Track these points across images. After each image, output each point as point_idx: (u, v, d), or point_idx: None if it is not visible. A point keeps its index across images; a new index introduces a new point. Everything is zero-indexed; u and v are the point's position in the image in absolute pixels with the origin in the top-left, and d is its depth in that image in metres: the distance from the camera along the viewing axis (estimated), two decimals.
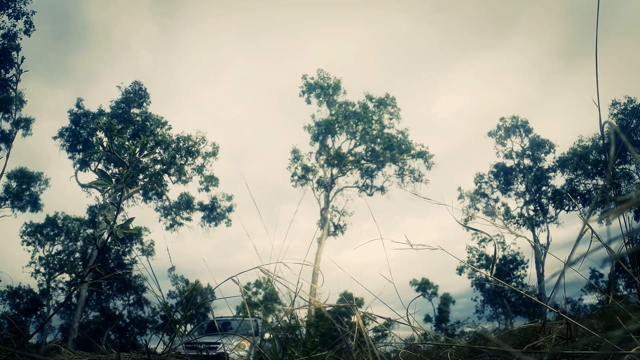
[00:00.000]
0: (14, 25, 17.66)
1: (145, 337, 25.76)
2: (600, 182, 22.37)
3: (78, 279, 1.38)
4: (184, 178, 22.81)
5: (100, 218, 23.06)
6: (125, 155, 1.39)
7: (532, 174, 25.87)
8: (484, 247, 28.87)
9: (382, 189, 24.21)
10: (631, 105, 22.22)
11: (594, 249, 0.82)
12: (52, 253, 26.69)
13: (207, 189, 23.14)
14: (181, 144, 22.37)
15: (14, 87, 17.80)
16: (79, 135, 21.71)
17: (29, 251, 26.26)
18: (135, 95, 22.66)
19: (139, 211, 23.15)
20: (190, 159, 22.75)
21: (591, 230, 1.68)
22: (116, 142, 1.40)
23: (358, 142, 24.04)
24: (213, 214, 23.31)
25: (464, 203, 27.25)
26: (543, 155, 26.28)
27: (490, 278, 1.46)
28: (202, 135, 22.84)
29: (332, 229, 23.55)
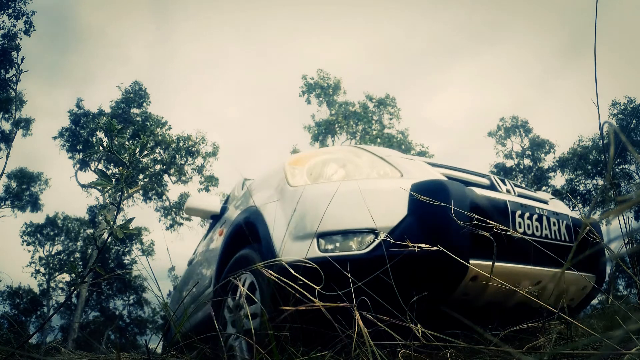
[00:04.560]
0: (14, 25, 17.65)
1: (145, 337, 25.75)
2: (600, 182, 22.36)
3: (78, 279, 1.38)
4: (184, 178, 22.81)
5: (100, 218, 23.06)
6: (125, 155, 1.39)
7: (532, 174, 25.87)
8: None
9: None
10: (631, 105, 22.21)
11: (594, 249, 0.82)
12: (52, 253, 26.69)
13: (207, 189, 23.14)
14: (181, 144, 22.37)
15: (14, 87, 17.80)
16: (79, 135, 21.70)
17: (29, 251, 26.26)
18: (135, 95, 22.66)
19: (139, 211, 23.16)
20: (190, 159, 22.75)
21: (591, 230, 1.68)
22: (116, 142, 1.40)
23: (358, 142, 24.04)
24: None
25: None
26: (543, 155, 26.29)
27: (490, 278, 1.45)
28: (202, 135, 22.87)
29: None
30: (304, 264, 1.49)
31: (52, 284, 25.94)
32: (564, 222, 1.89)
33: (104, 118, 21.39)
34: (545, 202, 2.17)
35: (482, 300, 1.71)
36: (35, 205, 24.67)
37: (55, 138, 21.94)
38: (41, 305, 25.89)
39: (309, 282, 1.31)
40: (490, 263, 1.56)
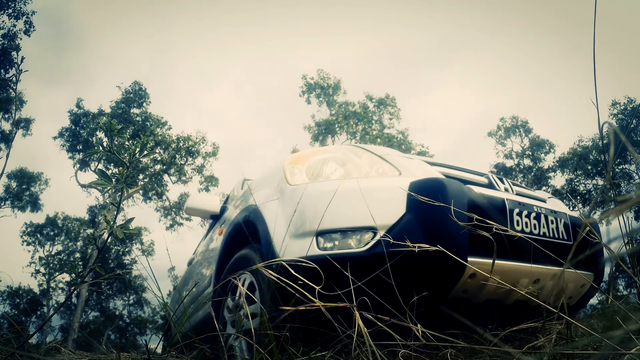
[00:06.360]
0: (14, 25, 17.64)
1: (145, 337, 25.75)
2: (600, 182, 22.36)
3: (78, 279, 1.38)
4: (184, 178, 22.81)
5: (100, 218, 23.05)
6: (125, 155, 1.39)
7: (532, 174, 25.87)
8: None
9: None
10: (631, 105, 22.21)
11: (594, 249, 0.82)
12: (52, 253, 26.69)
13: (207, 189, 23.15)
14: (181, 144, 22.37)
15: (14, 87, 17.80)
16: (79, 135, 21.71)
17: (29, 251, 26.25)
18: (135, 95, 22.66)
19: (139, 211, 23.18)
20: (190, 159, 22.76)
21: (591, 230, 1.67)
22: (116, 142, 1.40)
23: (358, 142, 24.04)
24: None
25: None
26: (543, 155, 26.30)
27: (490, 277, 1.45)
28: (202, 135, 22.88)
29: None
30: (304, 264, 1.46)
31: (52, 284, 25.94)
32: (562, 220, 1.89)
33: (104, 118, 21.39)
34: (544, 201, 2.18)
35: (481, 297, 1.71)
36: (35, 205, 24.68)
37: (55, 138, 21.96)
38: (41, 305, 25.88)
39: (309, 282, 1.30)
40: (488, 260, 1.58)
